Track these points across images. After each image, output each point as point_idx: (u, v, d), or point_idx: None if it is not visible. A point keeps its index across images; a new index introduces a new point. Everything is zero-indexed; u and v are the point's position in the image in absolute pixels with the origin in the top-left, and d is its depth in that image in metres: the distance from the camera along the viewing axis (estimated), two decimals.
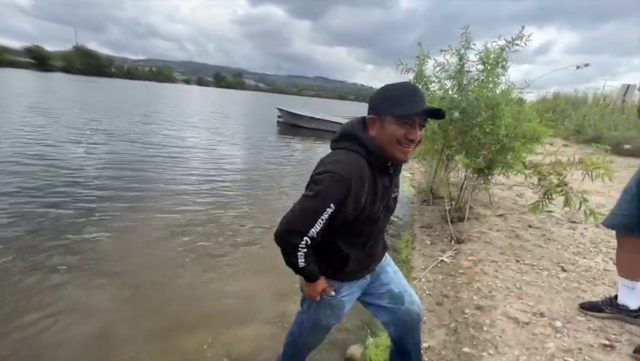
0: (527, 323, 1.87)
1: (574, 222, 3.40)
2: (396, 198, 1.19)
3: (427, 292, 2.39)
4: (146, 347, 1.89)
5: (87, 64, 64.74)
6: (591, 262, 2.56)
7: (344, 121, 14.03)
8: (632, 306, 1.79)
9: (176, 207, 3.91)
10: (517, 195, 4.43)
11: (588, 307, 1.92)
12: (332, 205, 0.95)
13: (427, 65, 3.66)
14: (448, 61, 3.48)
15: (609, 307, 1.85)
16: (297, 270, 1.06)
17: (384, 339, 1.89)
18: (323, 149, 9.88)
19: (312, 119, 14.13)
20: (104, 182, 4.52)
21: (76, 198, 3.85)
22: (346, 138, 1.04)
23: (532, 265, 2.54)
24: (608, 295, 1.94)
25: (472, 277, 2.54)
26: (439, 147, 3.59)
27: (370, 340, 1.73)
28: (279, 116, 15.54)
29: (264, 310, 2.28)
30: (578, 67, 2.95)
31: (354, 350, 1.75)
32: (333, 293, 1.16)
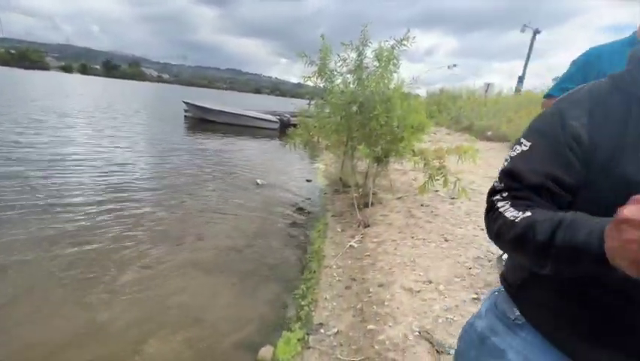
0: (419, 291, 2.12)
1: (453, 198, 4.04)
2: None
3: (337, 279, 2.50)
4: None
5: None
6: (465, 231, 3.07)
7: (260, 115, 13.68)
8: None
9: (53, 230, 3.17)
10: (412, 179, 5.02)
11: None
12: (528, 140, 0.57)
13: (331, 59, 3.80)
14: (349, 55, 3.68)
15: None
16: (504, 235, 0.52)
17: (295, 333, 1.89)
18: (239, 146, 9.44)
19: (223, 113, 13.32)
20: None
21: None
22: None
23: (424, 239, 2.90)
24: (476, 256, 2.37)
25: (376, 258, 2.77)
26: (344, 139, 3.78)
27: (280, 338, 1.71)
28: (185, 110, 14.21)
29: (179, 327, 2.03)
30: (449, 67, 3.52)
31: (265, 351, 1.71)
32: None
